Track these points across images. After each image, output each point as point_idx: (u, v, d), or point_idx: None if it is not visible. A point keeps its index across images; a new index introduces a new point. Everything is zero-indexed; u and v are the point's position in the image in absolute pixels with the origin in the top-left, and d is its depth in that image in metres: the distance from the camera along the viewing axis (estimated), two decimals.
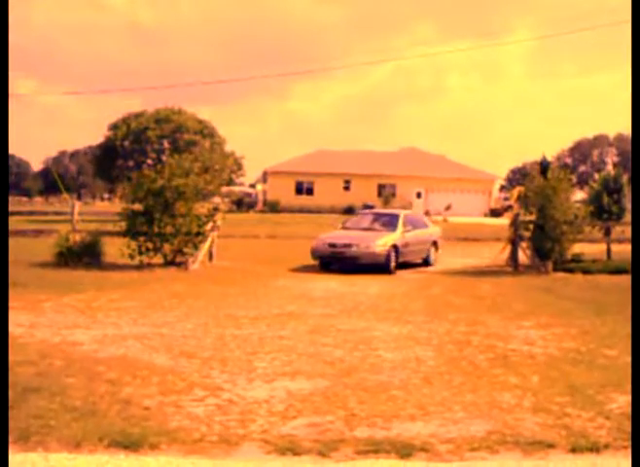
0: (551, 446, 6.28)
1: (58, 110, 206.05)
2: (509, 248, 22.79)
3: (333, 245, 21.18)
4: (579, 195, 50.02)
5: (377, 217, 23.99)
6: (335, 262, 21.46)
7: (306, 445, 6.20)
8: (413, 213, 29.27)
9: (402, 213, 23.98)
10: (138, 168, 42.47)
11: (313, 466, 5.75)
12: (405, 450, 6.08)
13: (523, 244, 22.38)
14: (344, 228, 23.38)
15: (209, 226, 21.34)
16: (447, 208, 62.71)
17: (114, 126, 65.20)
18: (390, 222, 22.67)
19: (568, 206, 21.78)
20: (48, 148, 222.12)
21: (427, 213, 60.06)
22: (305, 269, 21.40)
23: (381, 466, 5.74)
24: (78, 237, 20.64)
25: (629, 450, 6.18)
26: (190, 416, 6.86)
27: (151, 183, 20.25)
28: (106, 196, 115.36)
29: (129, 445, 6.00)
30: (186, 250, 20.31)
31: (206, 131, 65.68)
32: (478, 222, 50.02)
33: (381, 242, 20.96)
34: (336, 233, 22.56)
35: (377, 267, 20.62)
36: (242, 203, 67.39)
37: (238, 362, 9.14)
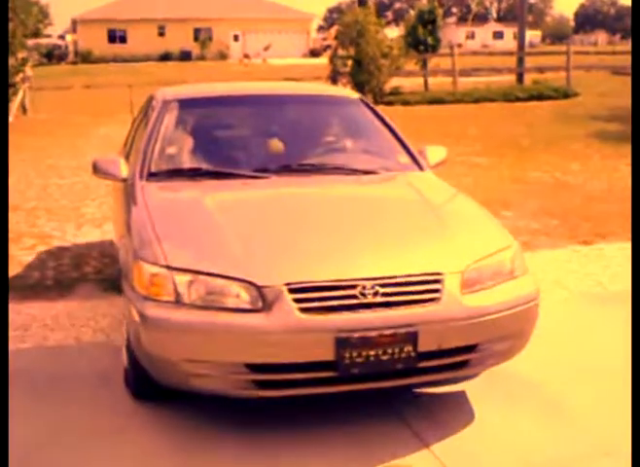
0: None
1: None
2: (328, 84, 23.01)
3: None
4: (396, 31, 50.47)
5: (270, 110, 5.57)
6: None
7: None
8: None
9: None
10: None
11: None
12: None
13: (343, 80, 22.61)
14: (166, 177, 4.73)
15: (19, 77, 20.14)
16: (266, 49, 61.81)
17: None
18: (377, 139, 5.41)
19: (381, 40, 22.10)
20: None
21: (246, 56, 59.10)
22: (126, 117, 20.67)
23: None
24: None
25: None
26: (21, 265, 6.72)
27: None
28: None
29: None
30: None
31: None
32: (297, 63, 49.71)
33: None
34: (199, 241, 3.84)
35: None
36: (52, 55, 63.41)
37: (65, 210, 8.95)
